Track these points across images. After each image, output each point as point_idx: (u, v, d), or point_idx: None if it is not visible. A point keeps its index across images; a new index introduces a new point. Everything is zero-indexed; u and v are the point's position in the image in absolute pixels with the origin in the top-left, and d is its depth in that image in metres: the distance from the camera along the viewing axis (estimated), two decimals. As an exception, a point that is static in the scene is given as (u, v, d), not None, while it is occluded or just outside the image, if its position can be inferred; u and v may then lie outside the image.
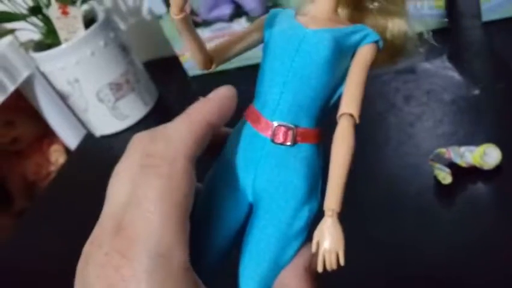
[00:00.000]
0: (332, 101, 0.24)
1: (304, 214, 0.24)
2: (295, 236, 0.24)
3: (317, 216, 0.23)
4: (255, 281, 0.24)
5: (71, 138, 0.87)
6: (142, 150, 0.22)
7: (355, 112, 0.22)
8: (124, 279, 0.19)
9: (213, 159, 0.26)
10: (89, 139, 0.78)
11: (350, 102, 0.23)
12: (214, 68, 0.26)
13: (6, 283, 0.58)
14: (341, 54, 0.23)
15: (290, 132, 0.23)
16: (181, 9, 0.23)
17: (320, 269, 0.22)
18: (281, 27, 0.24)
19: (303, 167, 0.24)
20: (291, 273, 0.23)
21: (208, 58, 0.25)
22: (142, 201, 0.20)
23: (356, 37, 0.24)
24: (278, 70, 0.23)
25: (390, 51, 0.26)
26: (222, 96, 0.24)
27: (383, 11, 0.25)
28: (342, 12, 0.26)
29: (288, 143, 0.23)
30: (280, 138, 0.23)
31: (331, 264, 0.22)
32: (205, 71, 0.26)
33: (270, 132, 0.24)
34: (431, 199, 0.42)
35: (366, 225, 0.42)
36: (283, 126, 0.23)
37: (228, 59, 0.26)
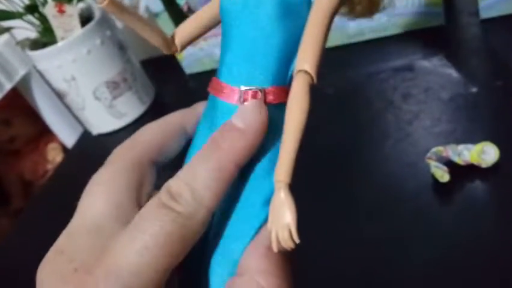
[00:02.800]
0: (293, 65, 0.22)
1: (264, 190, 0.21)
2: (256, 213, 0.21)
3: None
4: (218, 267, 0.22)
5: (68, 137, 0.86)
6: (131, 165, 0.22)
7: (311, 69, 0.20)
8: None
9: None
10: (86, 137, 0.78)
11: (304, 57, 0.20)
12: (180, 50, 0.24)
13: (4, 282, 0.58)
14: (292, 7, 0.21)
15: (259, 94, 0.21)
16: None
17: (274, 247, 0.20)
18: None
19: (262, 141, 0.21)
20: (252, 254, 0.21)
21: (169, 40, 0.24)
22: (142, 236, 0.19)
23: None
24: (228, 35, 0.22)
25: (366, 3, 0.23)
26: (257, 132, 0.21)
27: None
28: None
29: None
30: (249, 100, 0.21)
31: (284, 241, 0.19)
32: (173, 53, 0.24)
33: (235, 98, 0.22)
34: (429, 197, 0.42)
35: (363, 224, 0.42)
36: (251, 89, 0.21)
37: (193, 38, 0.24)
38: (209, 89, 0.23)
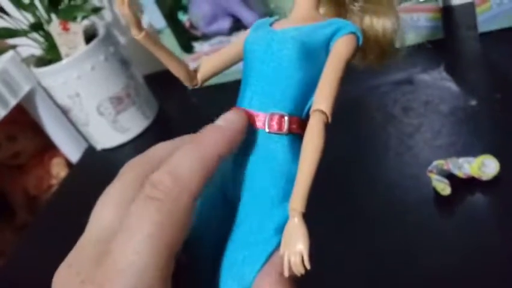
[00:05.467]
0: (310, 102, 0.23)
1: (278, 217, 0.22)
2: (268, 239, 0.22)
3: None
4: (235, 282, 0.22)
5: (73, 152, 0.87)
6: (141, 177, 0.22)
7: (326, 109, 0.22)
8: None
9: None
10: (90, 152, 0.79)
11: (321, 99, 0.22)
12: (200, 83, 0.26)
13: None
14: (312, 50, 0.23)
15: (285, 118, 0.23)
16: (139, 28, 0.24)
17: (285, 272, 0.21)
18: (256, 34, 0.24)
19: (276, 170, 0.23)
20: (265, 280, 0.21)
21: (191, 73, 0.25)
22: (134, 234, 0.19)
23: (327, 30, 0.23)
24: (250, 75, 0.24)
25: (378, 52, 0.25)
26: (236, 128, 0.23)
27: (367, 10, 0.25)
28: (323, 11, 0.25)
29: (283, 131, 0.23)
30: (274, 125, 0.23)
31: (296, 267, 0.20)
32: (194, 87, 0.26)
33: (261, 120, 0.23)
34: (430, 210, 0.43)
35: (365, 236, 0.42)
36: (277, 113, 0.23)
37: (214, 73, 0.26)
38: None
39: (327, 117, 0.22)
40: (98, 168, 0.75)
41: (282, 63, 0.23)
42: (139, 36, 0.23)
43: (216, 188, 0.24)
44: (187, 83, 0.26)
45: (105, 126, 0.73)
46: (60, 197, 0.73)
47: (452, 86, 0.55)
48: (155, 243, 0.19)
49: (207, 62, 0.26)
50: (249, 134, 0.23)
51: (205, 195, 0.23)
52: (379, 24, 0.25)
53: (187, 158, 0.21)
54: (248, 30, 0.25)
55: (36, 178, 0.95)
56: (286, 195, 0.22)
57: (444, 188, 0.42)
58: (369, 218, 0.44)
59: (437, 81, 0.56)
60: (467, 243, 0.39)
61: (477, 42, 0.60)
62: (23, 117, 0.86)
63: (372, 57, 0.25)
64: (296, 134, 0.23)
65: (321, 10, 0.25)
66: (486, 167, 0.42)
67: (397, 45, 0.26)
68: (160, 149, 0.25)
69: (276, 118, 0.23)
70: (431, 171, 0.44)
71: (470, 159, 0.43)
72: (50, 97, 0.79)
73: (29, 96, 0.81)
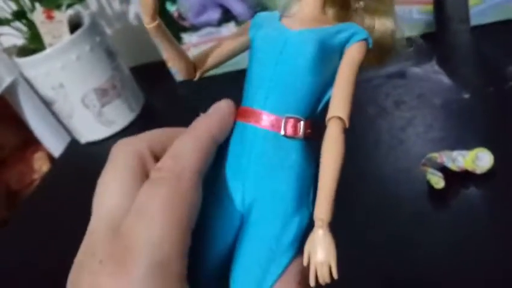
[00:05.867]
0: (323, 103, 0.23)
1: (294, 226, 0.22)
2: (285, 249, 0.22)
3: (310, 227, 0.21)
4: None
5: (56, 146, 0.85)
6: (134, 153, 0.23)
7: (344, 115, 0.22)
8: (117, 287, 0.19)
9: None
10: (73, 146, 0.77)
11: (338, 105, 0.22)
12: (198, 76, 0.25)
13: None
14: (327, 54, 0.23)
15: (301, 123, 0.22)
16: (153, 18, 0.23)
17: (312, 283, 0.20)
18: (265, 30, 0.24)
19: (292, 177, 0.22)
20: (283, 286, 0.22)
21: (191, 66, 0.25)
22: (146, 209, 0.20)
23: (342, 36, 0.23)
24: (262, 74, 0.23)
25: (377, 52, 0.25)
26: (223, 112, 0.24)
27: (370, 10, 0.25)
28: (329, 11, 0.25)
29: (298, 136, 0.22)
30: (289, 129, 0.22)
31: (323, 277, 0.20)
32: (190, 79, 0.25)
33: (268, 124, 0.23)
34: (424, 203, 0.42)
35: (358, 231, 0.42)
36: (293, 117, 0.22)
37: (213, 66, 0.25)
38: (238, 117, 0.24)
39: (344, 123, 0.22)
40: (82, 162, 0.74)
41: (299, 66, 0.22)
42: (151, 25, 0.23)
43: (222, 196, 0.23)
44: (183, 75, 0.25)
45: (90, 118, 0.71)
46: (42, 192, 0.71)
47: (444, 79, 0.54)
48: (166, 217, 0.20)
49: (206, 55, 0.25)
50: (262, 137, 0.23)
51: (211, 204, 0.23)
52: (381, 24, 0.25)
53: (183, 141, 0.23)
54: (248, 23, 0.25)
55: (18, 173, 0.92)
56: (302, 201, 0.22)
57: (438, 181, 0.42)
58: (362, 212, 0.43)
59: (430, 75, 0.55)
60: (461, 236, 0.38)
61: (469, 35, 0.59)
62: (4, 110, 0.84)
63: (371, 56, 0.25)
64: (309, 138, 0.23)
65: (329, 11, 0.25)
66: (480, 160, 0.41)
67: (396, 44, 0.26)
68: (146, 132, 0.25)
69: (291, 122, 0.22)
70: (424, 165, 0.43)
71: (464, 152, 0.42)
72: (33, 89, 0.77)
73: (11, 88, 0.79)
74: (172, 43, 0.24)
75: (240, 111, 0.24)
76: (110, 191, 0.22)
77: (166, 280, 0.19)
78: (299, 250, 0.22)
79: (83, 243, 0.21)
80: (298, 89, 0.23)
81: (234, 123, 0.24)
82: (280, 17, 0.24)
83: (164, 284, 0.19)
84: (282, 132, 0.22)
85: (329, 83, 0.23)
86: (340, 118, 0.22)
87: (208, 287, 0.23)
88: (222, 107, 0.24)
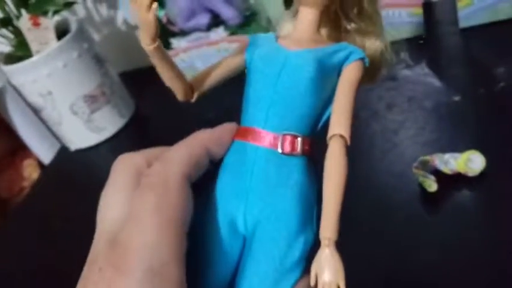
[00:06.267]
0: (322, 121, 0.24)
1: (299, 245, 0.22)
2: (290, 269, 0.22)
3: (315, 245, 0.21)
4: None
5: (45, 153, 0.84)
6: (136, 171, 0.23)
7: (345, 133, 0.22)
8: None
9: None
10: (63, 153, 0.76)
11: (339, 123, 0.22)
12: (195, 98, 0.25)
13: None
14: (326, 74, 0.23)
15: (299, 140, 0.23)
16: (154, 39, 0.22)
17: None
18: (262, 51, 0.24)
19: (295, 195, 0.22)
20: None
21: (188, 87, 0.25)
22: (139, 216, 0.21)
23: (339, 55, 0.23)
24: (262, 93, 0.23)
25: (369, 70, 0.25)
26: (223, 128, 0.24)
27: (361, 31, 0.25)
28: (323, 31, 0.25)
29: (296, 153, 0.22)
30: (287, 146, 0.22)
31: None
32: (186, 101, 0.25)
33: (267, 142, 0.23)
34: (417, 207, 0.42)
35: (352, 234, 0.41)
36: (290, 134, 0.23)
37: (211, 87, 0.25)
38: (236, 136, 0.24)
39: (346, 141, 0.22)
40: (72, 169, 0.73)
41: (299, 86, 0.23)
42: (150, 46, 0.23)
43: (221, 219, 0.23)
44: (180, 97, 0.25)
45: (79, 125, 0.70)
46: (32, 200, 0.70)
47: (435, 81, 0.54)
48: (159, 222, 0.20)
49: (203, 76, 0.25)
50: (263, 156, 0.23)
51: (213, 227, 0.23)
52: (371, 43, 0.25)
53: (174, 149, 0.23)
54: (243, 42, 0.25)
55: (7, 181, 0.91)
56: (307, 219, 0.22)
57: (430, 184, 0.41)
58: (355, 216, 0.43)
59: (420, 77, 0.56)
60: (455, 239, 0.38)
61: (458, 38, 0.59)
62: (-8, 117, 0.83)
63: (364, 74, 0.24)
64: (307, 156, 0.23)
65: (322, 31, 0.25)
66: (472, 162, 0.41)
67: (386, 63, 0.27)
68: (149, 149, 0.26)
69: (289, 139, 0.22)
70: (417, 168, 0.43)
71: (456, 155, 0.42)
72: (21, 96, 0.76)
73: (-1, 96, 0.78)
74: (170, 64, 0.24)
75: (240, 130, 0.24)
76: (110, 205, 0.23)
77: (163, 284, 0.19)
78: (305, 269, 0.22)
79: (89, 255, 0.22)
80: (298, 108, 0.23)
81: (233, 142, 0.24)
82: (277, 38, 0.25)
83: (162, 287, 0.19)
84: (280, 150, 0.22)
85: (327, 101, 0.23)
86: (341, 136, 0.22)
87: None
88: (224, 126, 0.25)
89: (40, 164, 0.89)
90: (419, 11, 0.60)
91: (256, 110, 0.23)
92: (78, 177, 0.70)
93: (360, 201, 0.44)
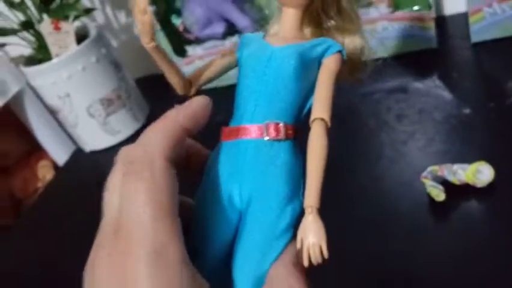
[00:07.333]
0: (305, 110, 0.26)
1: (287, 215, 0.25)
2: (280, 236, 0.25)
3: (302, 215, 0.24)
4: (248, 279, 0.25)
5: (60, 154, 0.85)
6: (123, 161, 0.24)
7: (326, 116, 0.25)
8: (127, 274, 0.21)
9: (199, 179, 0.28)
10: (78, 155, 0.77)
11: (320, 108, 0.25)
12: (193, 92, 0.28)
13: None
14: (307, 66, 0.26)
15: (281, 126, 0.25)
16: (152, 38, 0.25)
17: (305, 262, 0.23)
18: (251, 48, 0.27)
19: (283, 172, 0.25)
20: (280, 268, 0.24)
21: (187, 82, 0.28)
22: (131, 206, 0.22)
23: (318, 49, 0.26)
24: (251, 86, 0.26)
25: (349, 67, 0.28)
26: (196, 104, 0.26)
27: (340, 29, 0.28)
28: (306, 30, 0.28)
29: (281, 137, 0.25)
30: (272, 132, 0.25)
31: (315, 257, 0.23)
32: (185, 95, 0.28)
33: (254, 134, 0.25)
34: (425, 216, 0.42)
35: (359, 243, 0.42)
36: (273, 122, 0.25)
37: (206, 82, 0.29)
38: (223, 138, 0.26)
39: (326, 123, 0.25)
40: (86, 171, 0.74)
41: (283, 76, 0.25)
42: (149, 44, 0.26)
43: (220, 195, 0.26)
44: (179, 91, 0.28)
45: (95, 128, 0.71)
46: (45, 200, 0.72)
47: (445, 94, 0.55)
48: (150, 206, 0.22)
49: (198, 73, 0.28)
50: (252, 146, 0.25)
51: (214, 202, 0.26)
52: (350, 40, 0.28)
53: (151, 131, 0.24)
54: (235, 42, 0.28)
55: (22, 181, 0.93)
56: (294, 192, 0.25)
57: (438, 194, 0.42)
58: (363, 225, 0.44)
59: (431, 90, 0.56)
60: (462, 249, 0.38)
61: (470, 52, 0.60)
62: (10, 118, 0.84)
63: (344, 71, 0.27)
64: (292, 139, 0.26)
65: (305, 30, 0.28)
66: (481, 173, 0.42)
67: (366, 60, 0.29)
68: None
69: (272, 126, 0.25)
70: (425, 177, 0.43)
71: (465, 165, 0.42)
72: (39, 98, 0.78)
73: (18, 97, 0.80)
74: (168, 61, 0.27)
75: (229, 130, 0.26)
76: (112, 195, 0.24)
77: (167, 264, 0.21)
78: (293, 235, 0.24)
79: (95, 242, 0.23)
80: (282, 98, 0.25)
81: (221, 144, 0.27)
82: (264, 36, 0.27)
83: (166, 267, 0.21)
84: (267, 137, 0.25)
85: (309, 92, 0.26)
86: (322, 119, 0.25)
87: (213, 273, 0.25)
88: (196, 99, 0.26)
89: (55, 165, 0.90)
90: (432, 24, 0.61)
91: (246, 102, 0.26)
92: (91, 179, 0.71)
93: (367, 208, 0.45)
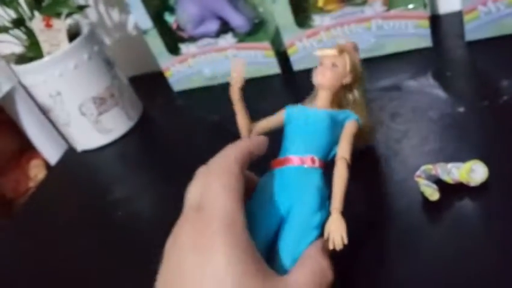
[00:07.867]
0: (330, 156, 0.39)
1: (317, 218, 0.36)
2: (312, 229, 0.36)
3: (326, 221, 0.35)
4: (288, 256, 0.35)
5: (52, 153, 0.85)
6: (206, 165, 0.35)
7: (347, 156, 0.38)
8: (206, 238, 0.30)
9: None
10: (70, 154, 0.77)
11: (343, 151, 0.38)
12: (250, 134, 0.42)
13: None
14: (334, 125, 0.39)
15: (315, 159, 0.38)
16: (241, 96, 0.41)
17: (330, 246, 0.34)
18: (294, 111, 0.41)
19: (315, 190, 0.37)
20: (311, 249, 0.35)
21: (250, 126, 0.42)
22: (211, 189, 0.32)
23: (342, 116, 0.40)
24: (295, 133, 0.39)
25: (358, 135, 0.40)
26: (261, 139, 0.38)
27: (353, 108, 0.42)
28: (332, 105, 0.41)
29: (315, 166, 0.38)
30: (309, 162, 0.38)
31: (337, 243, 0.34)
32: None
33: (296, 162, 0.38)
34: (419, 215, 0.42)
35: (351, 241, 0.42)
36: (310, 156, 0.38)
37: (261, 132, 0.42)
38: (275, 165, 0.39)
39: (347, 161, 0.37)
40: (78, 170, 0.73)
41: (318, 129, 0.39)
42: (236, 86, 0.41)
43: (271, 201, 0.37)
44: (245, 132, 0.42)
45: (87, 126, 0.71)
46: (37, 200, 0.71)
47: (439, 92, 0.55)
48: (225, 189, 0.32)
49: (259, 126, 0.43)
50: (295, 171, 0.38)
51: (264, 205, 0.37)
52: (360, 118, 0.41)
53: (230, 147, 0.36)
54: (282, 111, 0.42)
55: (13, 181, 0.92)
56: (321, 205, 0.37)
57: (432, 193, 0.42)
58: (357, 224, 0.43)
59: (425, 88, 0.56)
60: (456, 248, 0.38)
61: (464, 51, 0.60)
62: (1, 117, 0.84)
63: (360, 138, 0.41)
64: (322, 170, 0.38)
65: (333, 104, 0.42)
66: (474, 172, 0.42)
67: (371, 133, 0.48)
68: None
69: (310, 158, 0.38)
70: (419, 176, 0.43)
71: (459, 164, 0.42)
72: (31, 96, 0.77)
73: (9, 96, 0.79)
74: (245, 108, 0.42)
75: (278, 161, 0.39)
76: (196, 188, 0.34)
77: (235, 229, 0.31)
78: (321, 233, 0.35)
79: (179, 220, 0.33)
80: (316, 143, 0.39)
81: (272, 171, 0.39)
82: (304, 104, 0.42)
83: (234, 232, 0.30)
84: (306, 165, 0.38)
85: (333, 144, 0.39)
86: (345, 158, 0.37)
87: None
88: (261, 136, 0.38)
89: (47, 165, 0.90)
90: (426, 23, 0.60)
91: (291, 144, 0.39)
92: (84, 178, 0.71)
93: (360, 207, 0.45)
